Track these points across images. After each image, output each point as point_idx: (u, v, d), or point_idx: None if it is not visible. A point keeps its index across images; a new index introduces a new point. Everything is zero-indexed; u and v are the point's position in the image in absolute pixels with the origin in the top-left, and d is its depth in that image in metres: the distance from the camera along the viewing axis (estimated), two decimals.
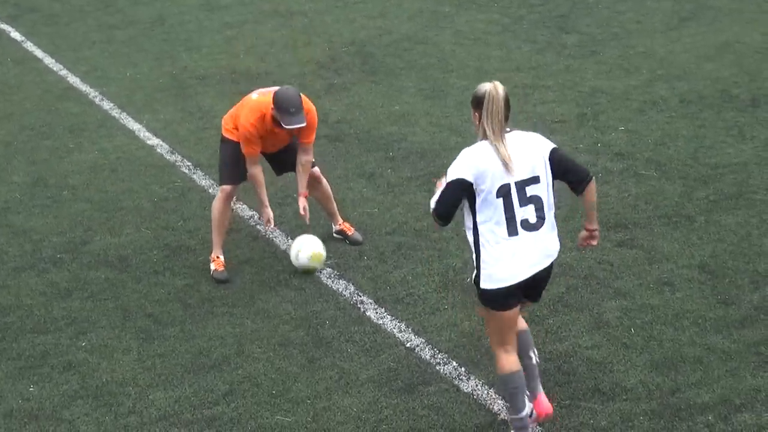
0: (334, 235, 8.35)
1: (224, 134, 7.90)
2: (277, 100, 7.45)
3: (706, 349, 6.72)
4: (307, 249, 7.76)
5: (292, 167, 8.04)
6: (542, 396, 5.98)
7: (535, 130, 9.90)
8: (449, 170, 5.58)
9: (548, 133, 9.94)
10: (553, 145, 5.72)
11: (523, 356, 5.91)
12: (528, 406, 5.83)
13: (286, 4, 14.70)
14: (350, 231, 8.31)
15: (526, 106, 10.68)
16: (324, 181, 8.20)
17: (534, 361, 5.99)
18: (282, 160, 8.04)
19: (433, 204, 5.63)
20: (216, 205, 7.95)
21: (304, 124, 7.50)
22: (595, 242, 6.00)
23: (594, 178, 5.79)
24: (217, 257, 7.96)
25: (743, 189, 8.77)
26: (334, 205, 8.31)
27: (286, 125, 7.45)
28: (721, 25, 13.00)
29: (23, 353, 7.05)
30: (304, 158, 7.83)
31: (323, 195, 8.22)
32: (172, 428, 6.27)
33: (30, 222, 8.82)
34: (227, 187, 7.93)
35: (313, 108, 7.72)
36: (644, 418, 6.14)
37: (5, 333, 7.28)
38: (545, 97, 10.96)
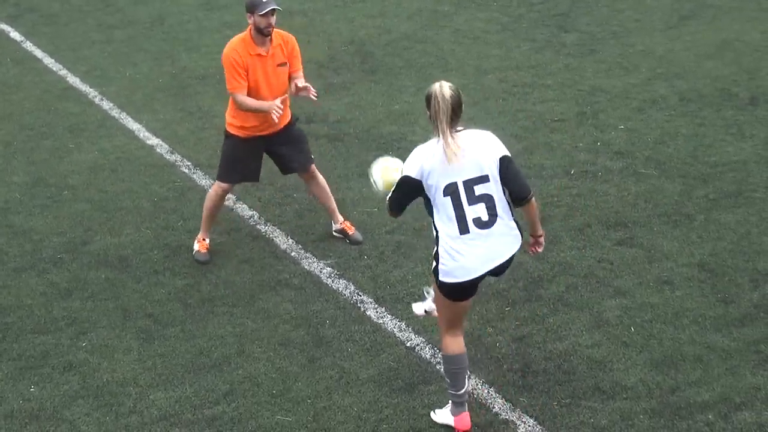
0: (334, 233, 8.36)
1: (227, 129, 7.96)
2: (248, 1, 7.57)
3: (705, 348, 6.73)
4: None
5: (296, 167, 8.14)
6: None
7: (534, 129, 10.02)
8: (403, 166, 5.81)
9: (548, 132, 10.01)
10: (505, 152, 5.77)
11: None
12: (468, 385, 6.08)
13: (286, 4, 14.68)
14: (351, 230, 8.32)
15: (526, 105, 10.68)
16: (321, 178, 8.26)
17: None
18: (286, 158, 8.08)
19: (389, 193, 5.89)
20: (211, 196, 8.09)
21: (279, 7, 7.59)
22: (540, 249, 6.13)
23: (534, 197, 5.86)
24: (203, 239, 8.17)
25: (743, 187, 8.78)
26: (334, 203, 8.33)
27: (261, 12, 7.47)
28: (721, 24, 13.00)
29: (24, 353, 7.06)
30: (298, 78, 7.82)
31: (322, 192, 8.25)
32: (173, 428, 6.28)
33: (30, 222, 8.82)
34: (224, 185, 8.01)
35: (293, 36, 7.86)
36: (644, 416, 6.15)
37: (6, 333, 7.29)
38: (545, 95, 10.96)
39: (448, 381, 6.05)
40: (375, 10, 14.22)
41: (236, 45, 7.65)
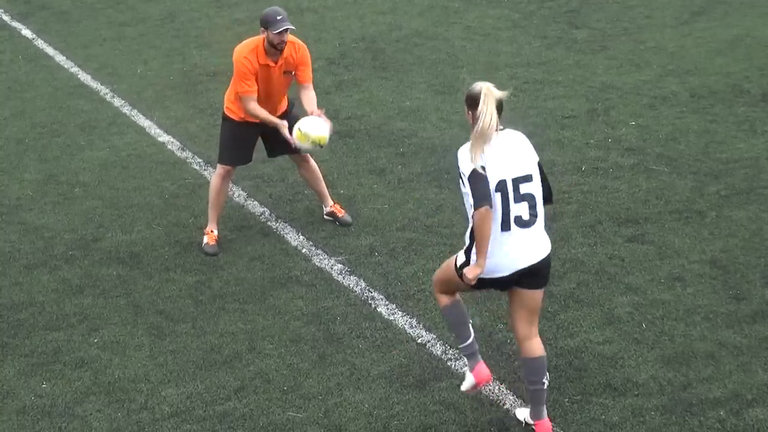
0: (325, 216, 8.47)
1: (225, 112, 8.16)
2: (264, 16, 7.74)
3: (717, 344, 6.72)
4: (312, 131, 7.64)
5: (284, 150, 8.21)
6: (545, 421, 6.03)
7: (545, 126, 10.01)
8: (463, 168, 5.67)
9: (559, 129, 10.00)
10: (537, 156, 5.88)
11: (536, 382, 5.96)
12: (473, 335, 6.06)
13: (296, 1, 14.70)
14: (341, 213, 8.45)
15: (537, 102, 10.67)
16: (312, 161, 8.41)
17: (545, 387, 6.01)
18: (276, 143, 8.18)
19: (472, 205, 5.61)
20: (214, 181, 8.22)
21: (292, 27, 7.70)
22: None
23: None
24: (211, 231, 8.25)
25: (754, 184, 8.76)
26: (324, 186, 8.47)
27: (275, 30, 7.62)
28: (732, 20, 12.97)
29: (36, 350, 7.08)
30: (308, 93, 7.98)
31: (312, 175, 8.41)
32: (184, 424, 6.29)
33: (42, 219, 8.84)
34: (225, 166, 8.18)
35: (304, 45, 7.97)
36: (656, 413, 6.14)
37: (18, 330, 7.31)
38: (556, 92, 10.95)
39: (454, 335, 6.17)
40: (386, 7, 14.22)
41: (247, 53, 7.79)
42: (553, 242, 7.99)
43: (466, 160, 5.67)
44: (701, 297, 7.23)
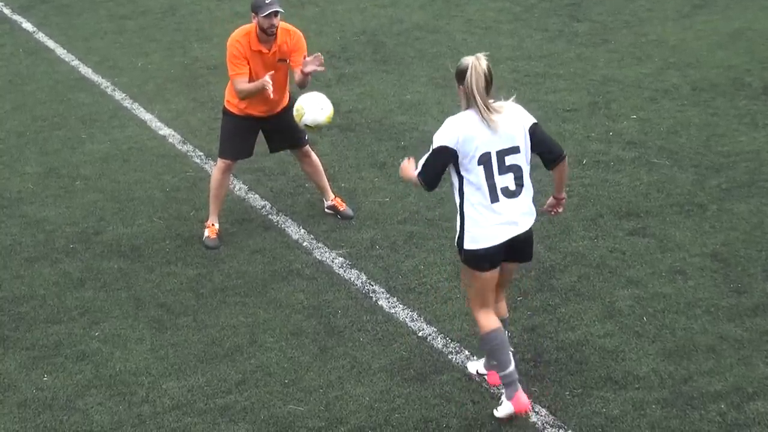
0: (326, 210, 8.49)
1: (225, 106, 8.20)
2: (253, 1, 7.74)
3: (718, 338, 6.72)
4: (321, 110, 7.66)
5: (286, 145, 8.32)
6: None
7: (546, 119, 10.01)
8: (434, 137, 5.87)
9: (560, 122, 9.99)
10: (534, 120, 5.97)
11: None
12: (513, 362, 6.04)
13: None
14: (342, 206, 8.46)
15: (538, 95, 10.66)
16: (314, 155, 8.43)
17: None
18: (278, 138, 8.26)
19: (419, 168, 5.91)
20: (215, 175, 8.25)
21: (281, 9, 7.71)
22: (561, 209, 6.34)
23: (566, 158, 6.07)
24: (212, 225, 8.26)
25: (756, 177, 8.75)
26: (326, 180, 8.49)
27: (263, 14, 7.64)
28: (734, 13, 12.95)
29: (37, 343, 7.08)
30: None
31: (314, 170, 8.42)
32: (185, 417, 6.29)
33: (43, 212, 8.84)
34: (226, 160, 8.19)
35: (300, 33, 7.98)
36: (656, 406, 6.14)
37: (19, 323, 7.31)
38: (557, 85, 10.94)
39: (494, 362, 6.08)
40: (387, 0, 14.20)
41: (240, 38, 7.84)
42: (554, 235, 8.04)
43: (443, 132, 5.84)
44: (702, 290, 7.24)
